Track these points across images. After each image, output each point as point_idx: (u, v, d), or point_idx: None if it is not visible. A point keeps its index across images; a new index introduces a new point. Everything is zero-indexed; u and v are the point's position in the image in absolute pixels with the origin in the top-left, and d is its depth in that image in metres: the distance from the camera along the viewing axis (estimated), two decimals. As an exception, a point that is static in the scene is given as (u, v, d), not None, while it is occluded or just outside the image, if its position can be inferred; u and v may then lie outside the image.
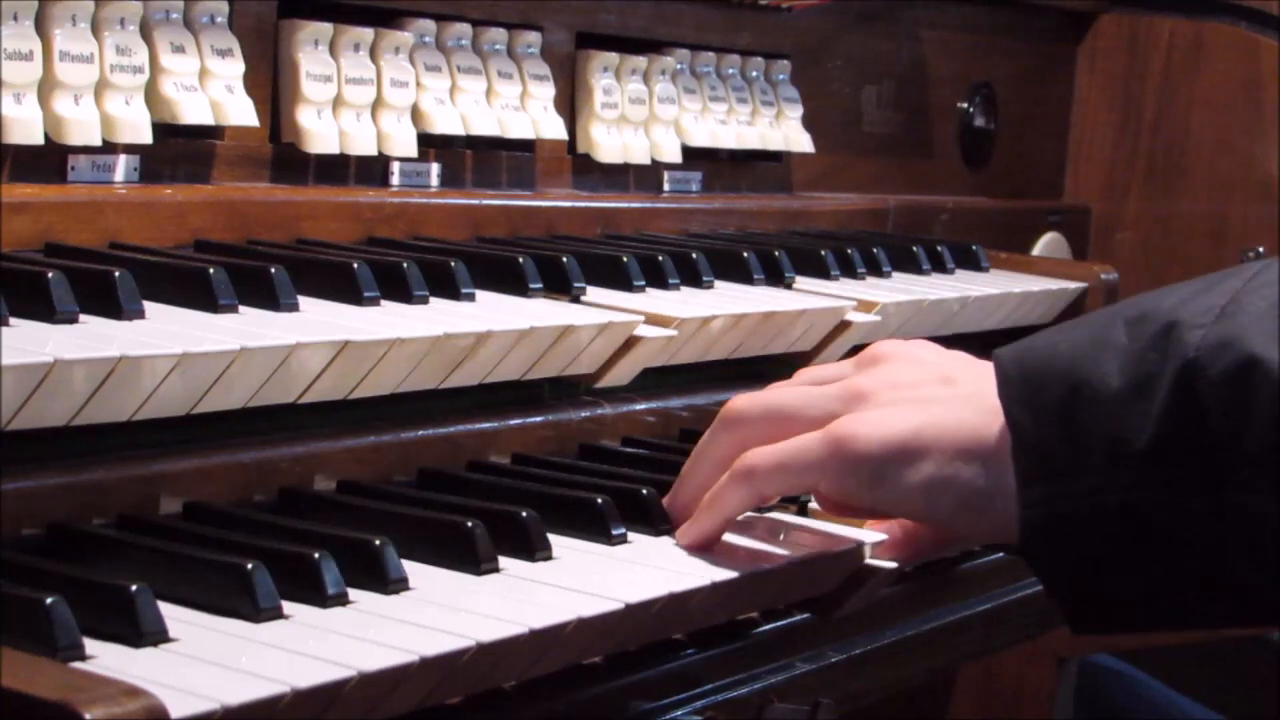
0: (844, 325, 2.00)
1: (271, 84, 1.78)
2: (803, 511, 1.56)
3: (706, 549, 1.45)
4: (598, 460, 1.68)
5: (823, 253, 2.17)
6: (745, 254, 2.03)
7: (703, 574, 1.39)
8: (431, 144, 1.92)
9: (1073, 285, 2.51)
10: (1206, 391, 1.22)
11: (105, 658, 1.10)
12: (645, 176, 2.20)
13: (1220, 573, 1.26)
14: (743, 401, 1.47)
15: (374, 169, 1.88)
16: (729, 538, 1.51)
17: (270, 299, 1.49)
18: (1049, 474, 1.28)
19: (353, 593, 1.25)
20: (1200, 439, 1.22)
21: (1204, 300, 1.26)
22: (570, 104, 2.10)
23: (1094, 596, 1.31)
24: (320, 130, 1.78)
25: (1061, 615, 1.33)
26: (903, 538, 1.53)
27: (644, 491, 1.51)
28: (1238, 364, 1.21)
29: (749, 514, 1.58)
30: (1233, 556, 1.24)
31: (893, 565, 1.53)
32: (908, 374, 1.43)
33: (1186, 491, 1.23)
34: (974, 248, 2.51)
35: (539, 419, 1.67)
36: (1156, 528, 1.25)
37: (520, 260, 1.74)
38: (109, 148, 1.61)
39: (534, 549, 1.38)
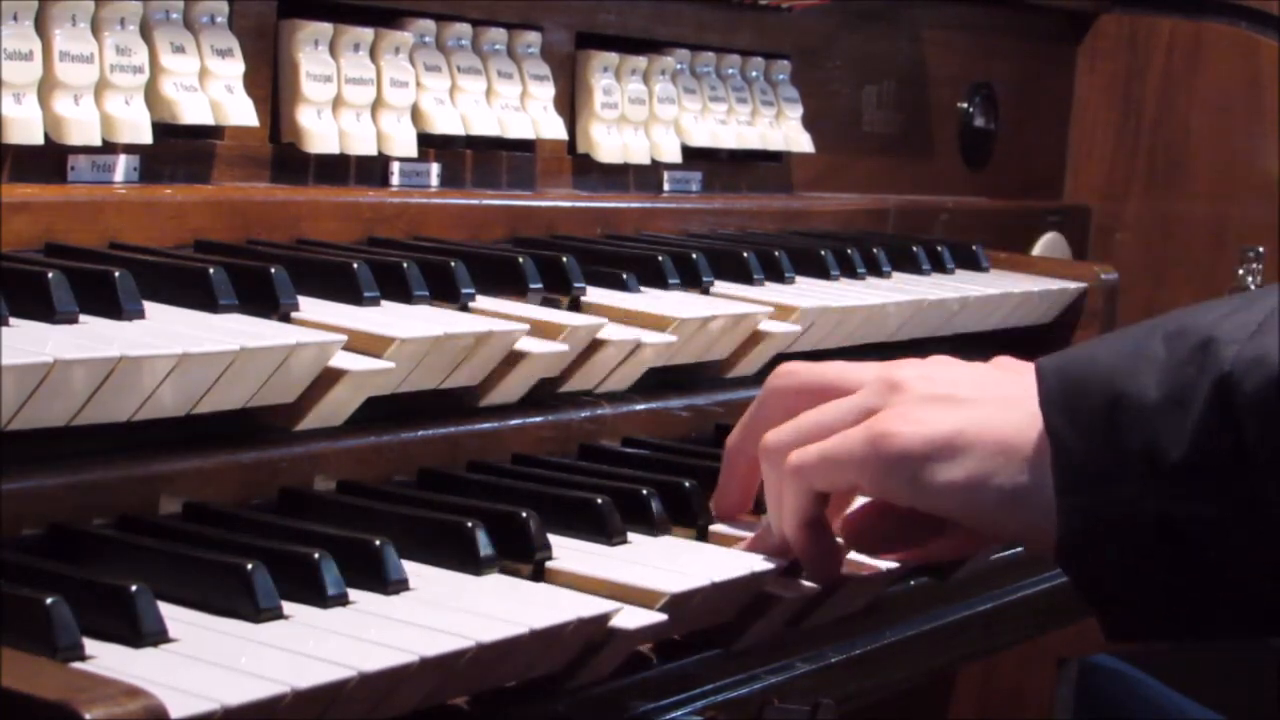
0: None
1: (271, 84, 1.78)
2: None
3: (835, 565, 1.46)
4: (598, 460, 1.68)
5: (823, 253, 2.17)
6: (745, 254, 2.03)
7: (703, 574, 1.39)
8: (431, 144, 1.92)
9: (1073, 285, 2.51)
10: (1242, 406, 1.23)
11: (105, 658, 1.10)
12: (645, 176, 2.20)
13: (1256, 585, 1.27)
14: (793, 364, 1.51)
15: (374, 169, 1.88)
16: (730, 534, 1.51)
17: (270, 299, 1.49)
18: (1087, 483, 1.29)
19: (353, 593, 1.25)
20: (1236, 451, 1.24)
21: (1241, 317, 1.27)
22: (570, 104, 2.10)
23: (1128, 605, 1.32)
24: (320, 130, 1.78)
25: (1097, 622, 1.34)
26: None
27: (644, 491, 1.51)
28: (1271, 379, 1.22)
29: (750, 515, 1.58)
30: (1269, 570, 1.25)
31: (886, 567, 1.53)
32: (942, 372, 1.43)
33: (1222, 504, 1.25)
34: (974, 248, 2.51)
35: (539, 419, 1.67)
36: (1192, 539, 1.26)
37: (520, 260, 1.74)
38: (109, 148, 1.61)
39: (534, 549, 1.38)
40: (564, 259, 1.77)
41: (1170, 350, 1.28)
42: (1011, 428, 1.34)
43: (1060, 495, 1.30)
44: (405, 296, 1.61)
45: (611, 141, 2.10)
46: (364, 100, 1.82)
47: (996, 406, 1.37)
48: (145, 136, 1.61)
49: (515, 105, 1.98)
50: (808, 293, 2.04)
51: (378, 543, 1.29)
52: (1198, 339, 1.27)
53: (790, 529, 1.44)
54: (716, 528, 1.54)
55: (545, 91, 2.02)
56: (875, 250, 2.27)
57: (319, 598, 1.23)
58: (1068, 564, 1.32)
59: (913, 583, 1.69)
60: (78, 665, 1.08)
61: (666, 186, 2.24)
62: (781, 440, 1.45)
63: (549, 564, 1.38)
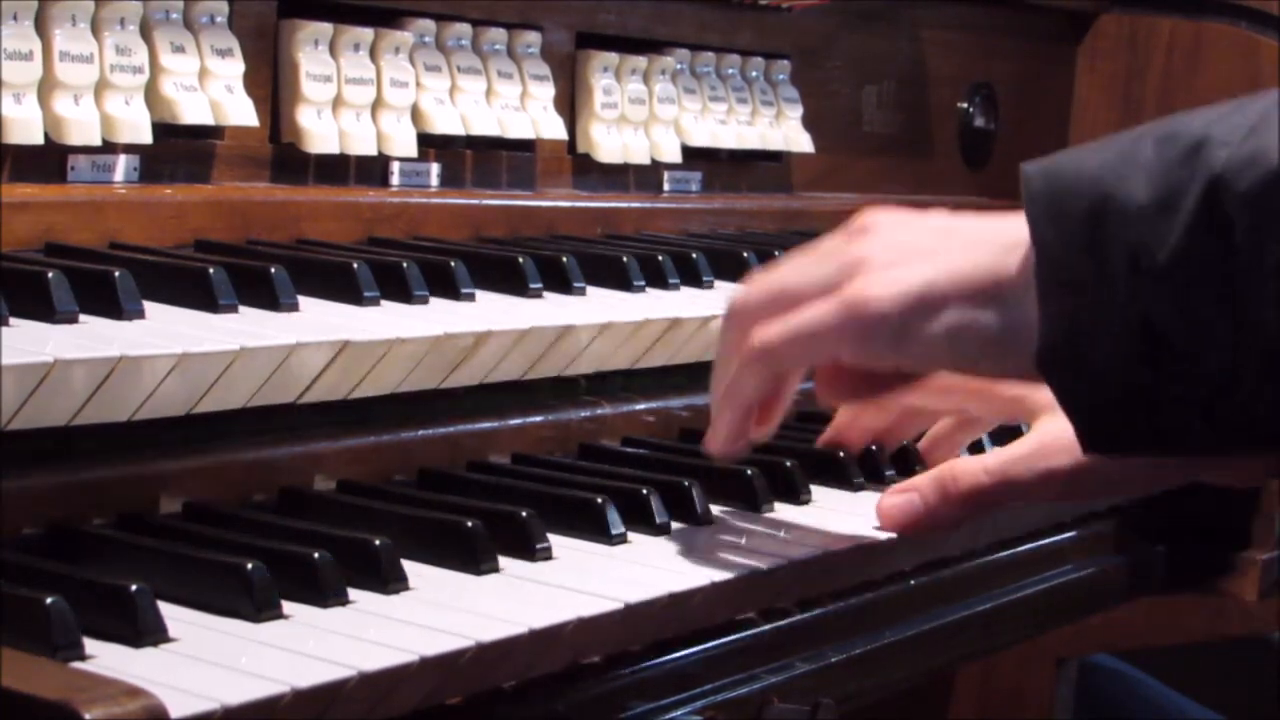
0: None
1: (271, 84, 1.78)
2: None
3: (738, 446, 1.44)
4: (598, 460, 1.68)
5: (823, 253, 2.17)
6: (745, 254, 2.03)
7: (703, 574, 1.39)
8: (431, 144, 1.92)
9: (1073, 285, 2.51)
10: (1232, 206, 1.22)
11: (105, 658, 1.10)
12: (645, 176, 2.20)
13: (1234, 391, 1.25)
14: (743, 291, 1.45)
15: (374, 169, 1.88)
16: (729, 538, 1.51)
17: (270, 299, 1.49)
18: (1071, 286, 1.27)
19: (353, 593, 1.25)
20: (1224, 254, 1.22)
21: (1235, 119, 1.26)
22: (570, 104, 2.10)
23: (1108, 413, 1.30)
24: (320, 130, 1.78)
25: (1076, 434, 1.32)
26: (923, 509, 1.53)
27: (644, 491, 1.51)
28: (1265, 179, 1.21)
29: (749, 515, 1.58)
30: (1248, 374, 1.24)
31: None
32: (905, 234, 1.41)
33: (1207, 305, 1.23)
34: (974, 248, 2.51)
35: (539, 419, 1.67)
36: (1175, 341, 1.25)
37: (520, 260, 1.74)
38: (109, 148, 1.61)
39: (534, 549, 1.38)
40: (564, 259, 1.77)
41: (1160, 153, 1.26)
42: (983, 269, 1.33)
43: (1043, 301, 1.28)
44: (405, 296, 1.61)
45: (611, 141, 2.10)
46: (364, 100, 1.82)
47: (963, 250, 1.35)
48: (145, 136, 1.61)
49: (515, 105, 1.98)
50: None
51: (378, 543, 1.29)
52: (1189, 141, 1.25)
53: (737, 407, 1.42)
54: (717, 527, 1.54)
55: (545, 91, 2.02)
56: (875, 250, 2.26)
57: (319, 597, 1.23)
58: (1049, 371, 1.30)
59: (913, 583, 1.69)
60: (77, 665, 1.08)
61: (666, 186, 2.24)
62: (749, 304, 1.42)
63: (549, 562, 1.38)
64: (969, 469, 1.54)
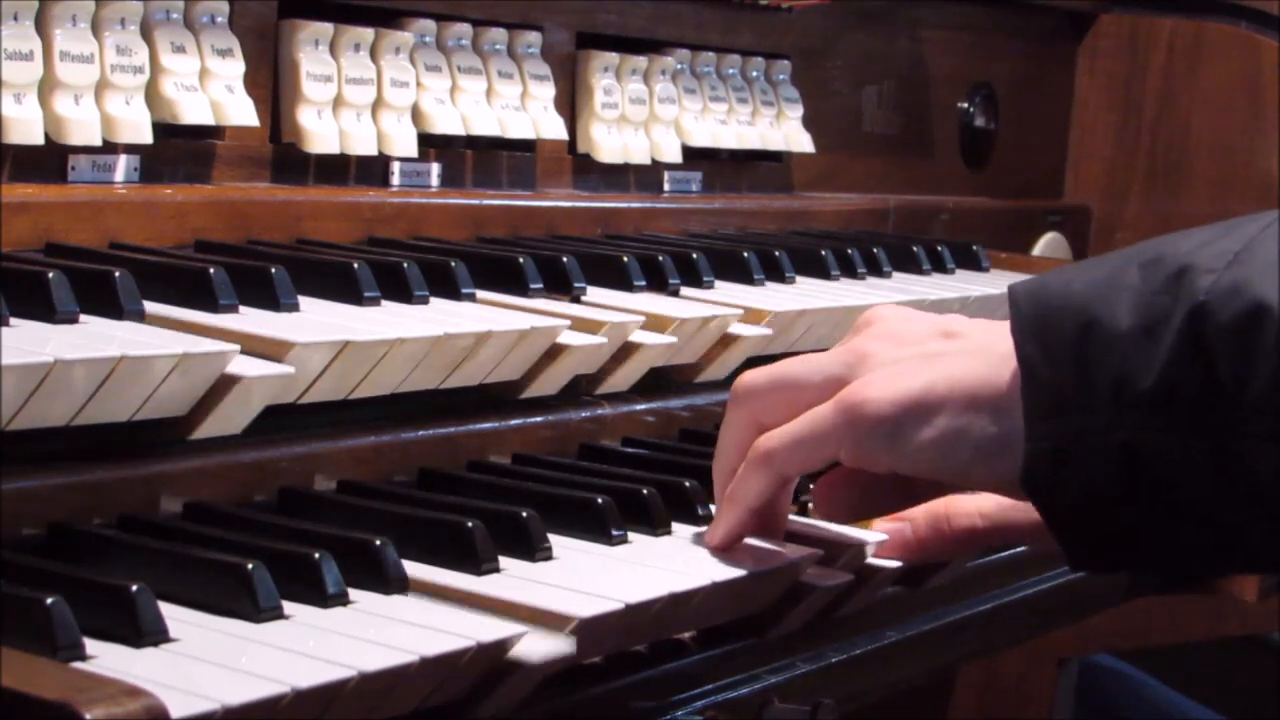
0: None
1: (272, 84, 1.78)
2: (803, 511, 1.57)
3: (736, 544, 1.45)
4: (598, 460, 1.68)
5: (823, 253, 2.17)
6: (745, 254, 2.03)
7: (703, 574, 1.39)
8: (432, 144, 1.92)
9: (1073, 285, 2.51)
10: (1214, 336, 1.22)
11: (105, 658, 1.10)
12: (645, 176, 2.21)
13: (1218, 518, 1.26)
14: (750, 376, 1.47)
15: (374, 169, 1.88)
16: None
17: (270, 299, 1.49)
18: (1055, 410, 1.28)
19: (353, 593, 1.25)
20: (1206, 384, 1.23)
21: (1219, 245, 1.26)
22: (570, 104, 2.10)
23: (1091, 533, 1.31)
24: (320, 130, 1.78)
25: (1061, 552, 1.34)
26: (914, 541, 1.53)
27: (644, 491, 1.51)
28: (1246, 311, 1.21)
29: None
30: (1232, 503, 1.25)
31: (895, 564, 1.53)
32: (907, 329, 1.42)
33: (1189, 435, 1.24)
34: (974, 248, 2.52)
35: (539, 419, 1.67)
36: (1157, 469, 1.26)
37: (520, 260, 1.74)
38: (109, 148, 1.61)
39: (534, 549, 1.38)
40: (564, 259, 1.77)
41: (1145, 278, 1.27)
42: (979, 379, 1.34)
43: (1028, 422, 1.29)
44: (405, 296, 1.61)
45: (612, 141, 2.10)
46: (364, 100, 1.82)
47: (964, 357, 1.36)
48: (146, 136, 1.61)
49: (515, 105, 1.98)
50: (809, 293, 2.04)
51: (378, 543, 1.29)
52: (1173, 267, 1.26)
53: (742, 508, 1.43)
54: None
55: (545, 91, 2.02)
56: (876, 250, 2.27)
57: (319, 598, 1.23)
58: (1033, 491, 1.31)
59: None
60: (78, 665, 1.07)
61: (667, 186, 2.24)
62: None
63: (549, 562, 1.38)
64: (964, 511, 1.54)
